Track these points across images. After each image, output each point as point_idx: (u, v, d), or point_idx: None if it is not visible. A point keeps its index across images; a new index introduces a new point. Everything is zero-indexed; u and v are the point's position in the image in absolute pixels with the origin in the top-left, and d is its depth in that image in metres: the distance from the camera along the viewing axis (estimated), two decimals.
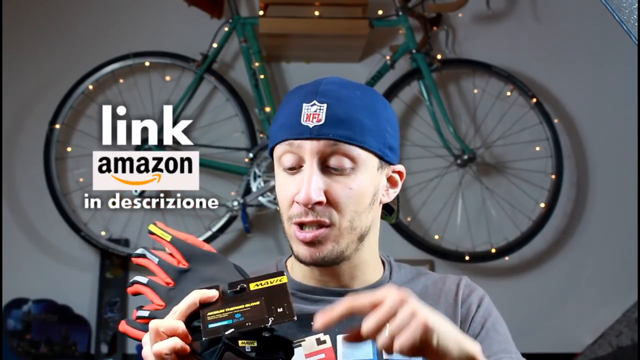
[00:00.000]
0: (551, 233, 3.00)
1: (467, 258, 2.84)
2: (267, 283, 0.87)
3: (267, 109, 2.83)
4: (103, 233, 2.88)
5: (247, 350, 0.83)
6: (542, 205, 2.90)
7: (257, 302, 0.85)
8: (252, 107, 2.92)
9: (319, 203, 1.01)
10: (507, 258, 2.91)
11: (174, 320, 0.85)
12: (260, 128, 2.88)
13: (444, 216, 2.97)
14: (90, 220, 2.87)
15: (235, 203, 2.78)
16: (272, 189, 2.75)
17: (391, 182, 1.13)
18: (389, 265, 1.15)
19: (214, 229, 2.83)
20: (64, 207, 2.82)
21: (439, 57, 2.92)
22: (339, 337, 1.02)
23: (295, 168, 1.04)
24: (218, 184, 2.94)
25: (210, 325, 0.84)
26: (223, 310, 0.85)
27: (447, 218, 2.98)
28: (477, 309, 1.10)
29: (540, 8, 3.13)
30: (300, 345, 1.02)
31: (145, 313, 0.93)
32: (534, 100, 2.93)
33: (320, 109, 1.03)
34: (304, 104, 1.04)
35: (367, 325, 0.83)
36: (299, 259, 1.05)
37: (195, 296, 0.87)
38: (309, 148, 1.02)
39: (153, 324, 0.85)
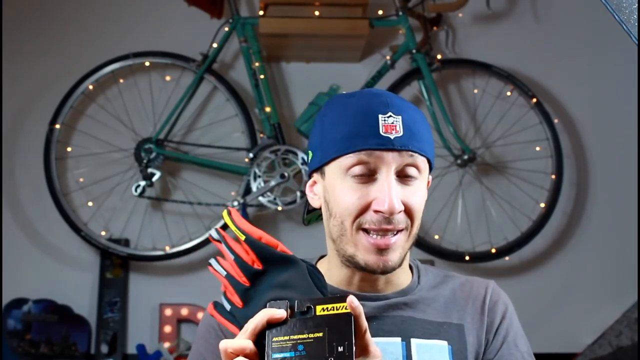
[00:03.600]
0: (551, 233, 3.00)
1: (467, 258, 2.85)
2: (333, 309, 0.88)
3: (267, 109, 2.83)
4: (103, 233, 2.88)
5: None
6: (542, 205, 2.90)
7: (320, 334, 0.86)
8: (252, 107, 2.92)
9: (399, 212, 1.04)
10: (507, 258, 2.91)
11: (243, 340, 0.88)
12: (260, 128, 2.88)
13: (444, 216, 2.97)
14: (90, 220, 2.88)
15: (235, 203, 2.78)
16: (272, 189, 2.75)
17: None
18: (417, 269, 1.18)
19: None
20: (64, 207, 2.82)
21: (439, 57, 2.92)
22: None
23: (366, 177, 1.05)
24: (218, 184, 2.94)
25: (274, 355, 0.85)
26: (288, 338, 0.86)
27: (447, 218, 2.98)
28: (502, 321, 1.13)
29: (540, 8, 3.14)
30: None
31: (228, 306, 0.96)
32: (534, 100, 2.93)
33: (396, 121, 1.05)
34: (380, 115, 1.05)
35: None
36: (365, 267, 1.06)
37: (264, 316, 0.88)
38: (389, 159, 1.04)
39: (222, 344, 0.88)
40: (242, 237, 0.97)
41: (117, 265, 2.92)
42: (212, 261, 0.99)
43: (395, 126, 1.05)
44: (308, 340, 0.86)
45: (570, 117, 3.11)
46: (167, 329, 2.86)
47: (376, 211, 1.04)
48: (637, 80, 2.89)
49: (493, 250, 2.87)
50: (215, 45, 2.87)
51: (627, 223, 2.97)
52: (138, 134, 2.92)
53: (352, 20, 2.86)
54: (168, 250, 2.84)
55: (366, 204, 1.04)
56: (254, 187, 2.76)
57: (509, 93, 3.03)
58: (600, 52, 3.10)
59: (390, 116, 1.05)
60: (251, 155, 2.81)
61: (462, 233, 2.96)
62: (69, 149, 2.96)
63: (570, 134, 3.09)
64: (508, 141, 3.02)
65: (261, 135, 2.87)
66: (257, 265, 0.96)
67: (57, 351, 2.82)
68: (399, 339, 1.07)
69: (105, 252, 2.87)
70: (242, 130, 2.90)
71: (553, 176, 2.91)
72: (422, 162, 1.07)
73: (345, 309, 0.87)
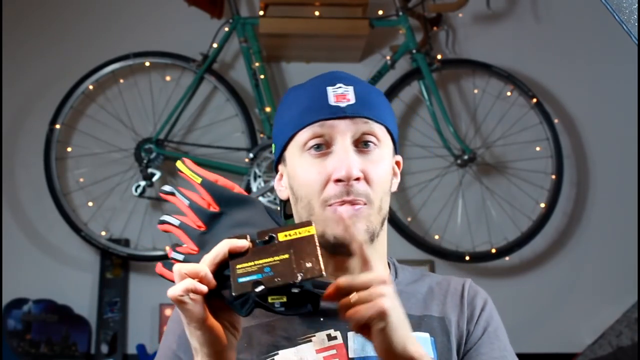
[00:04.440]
0: (551, 233, 3.00)
1: (467, 258, 2.84)
2: (296, 234, 0.86)
3: (267, 109, 2.83)
4: (103, 233, 2.88)
5: (276, 306, 0.83)
6: (542, 205, 2.90)
7: (286, 255, 0.84)
8: (252, 107, 2.92)
9: (358, 179, 1.01)
10: (507, 258, 2.91)
11: (199, 264, 0.85)
12: (260, 128, 2.88)
13: (444, 216, 2.97)
14: (90, 220, 2.87)
15: None
16: (272, 189, 2.75)
17: (393, 171, 1.13)
18: (394, 266, 1.16)
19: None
20: (64, 207, 2.82)
21: (439, 57, 2.92)
22: (350, 334, 1.02)
23: (322, 150, 1.04)
24: None
25: (240, 280, 0.83)
26: (252, 263, 0.84)
27: (447, 218, 2.98)
28: (481, 312, 1.10)
29: (540, 8, 3.14)
30: (310, 341, 1.01)
31: (180, 257, 0.92)
32: (534, 100, 2.93)
33: (347, 91, 1.05)
34: (329, 87, 1.05)
35: (342, 281, 0.85)
36: (334, 243, 1.03)
37: (225, 245, 0.85)
38: (343, 127, 1.03)
39: (176, 267, 0.84)
40: (198, 180, 0.94)
41: (117, 265, 2.92)
42: (164, 217, 0.95)
43: (346, 94, 1.04)
44: (274, 262, 0.84)
45: (570, 117, 3.11)
46: None
47: (336, 181, 1.01)
48: (637, 80, 2.89)
49: (493, 250, 2.87)
50: (215, 45, 2.87)
51: (627, 223, 2.97)
52: (138, 134, 2.92)
53: (352, 20, 2.86)
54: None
55: (327, 177, 1.02)
56: (254, 187, 2.76)
57: (509, 93, 3.03)
58: (600, 52, 3.10)
59: (340, 87, 1.05)
60: (251, 155, 2.81)
61: (462, 233, 2.96)
62: (69, 149, 2.95)
63: (570, 134, 3.09)
64: (508, 141, 3.02)
65: (261, 135, 2.87)
66: (214, 208, 0.94)
67: (57, 351, 2.82)
68: None
69: (105, 252, 2.86)
70: (242, 130, 2.90)
71: (553, 176, 2.90)
72: (379, 130, 1.05)
73: (308, 232, 0.86)
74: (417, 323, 1.06)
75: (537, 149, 2.98)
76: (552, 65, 3.11)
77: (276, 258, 0.84)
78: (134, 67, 2.94)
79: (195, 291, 0.83)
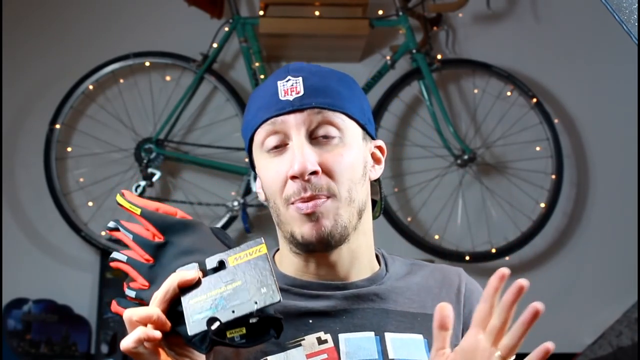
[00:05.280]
0: (551, 233, 3.00)
1: (467, 258, 2.84)
2: (247, 255, 0.82)
3: None
4: (103, 233, 2.87)
5: (236, 340, 0.79)
6: (542, 205, 2.90)
7: (239, 282, 0.80)
8: None
9: (315, 173, 0.97)
10: (507, 258, 2.91)
11: (149, 307, 0.80)
12: None
13: (444, 216, 2.97)
14: (90, 220, 2.87)
15: (235, 203, 2.78)
16: None
17: (375, 158, 1.09)
18: (383, 258, 1.11)
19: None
20: (64, 207, 2.82)
21: (439, 57, 2.92)
22: (342, 336, 0.99)
23: (281, 147, 1.00)
24: (218, 184, 2.94)
25: (194, 317, 0.79)
26: (205, 296, 0.80)
27: (447, 218, 2.98)
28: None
29: (540, 8, 3.14)
30: (300, 345, 0.98)
31: (132, 293, 0.87)
32: (534, 100, 2.93)
33: (296, 82, 1.00)
34: (278, 82, 1.01)
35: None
36: (303, 242, 1.00)
37: (174, 280, 0.81)
38: (294, 121, 0.99)
39: (127, 313, 0.81)
40: (137, 211, 0.89)
41: None
42: (113, 254, 0.90)
43: (295, 87, 1.00)
44: (227, 292, 0.79)
45: (570, 117, 3.11)
46: None
47: (292, 177, 0.97)
48: (637, 80, 2.89)
49: (493, 250, 2.87)
50: (215, 45, 2.87)
51: (627, 223, 2.97)
52: (138, 134, 2.92)
53: (352, 20, 2.86)
54: None
55: (284, 175, 0.99)
56: (254, 187, 2.76)
57: (509, 93, 3.03)
58: (600, 52, 3.10)
59: (289, 80, 1.01)
60: None
61: (462, 233, 2.96)
62: (69, 149, 2.96)
63: (570, 134, 3.09)
64: (508, 141, 3.02)
65: None
66: (158, 238, 0.88)
67: (57, 351, 2.82)
68: (372, 334, 0.99)
69: (105, 252, 2.86)
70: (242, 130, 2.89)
71: (553, 176, 2.90)
72: (337, 118, 1.00)
73: (259, 252, 0.82)
74: (411, 323, 1.02)
75: (537, 149, 2.98)
76: (552, 65, 3.11)
77: (229, 287, 0.80)
78: (134, 67, 2.94)
79: (148, 339, 0.78)
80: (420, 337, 1.01)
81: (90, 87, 2.89)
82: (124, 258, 0.88)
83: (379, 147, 1.10)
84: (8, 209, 2.95)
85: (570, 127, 3.10)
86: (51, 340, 2.84)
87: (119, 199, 0.91)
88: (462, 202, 2.99)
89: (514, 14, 3.14)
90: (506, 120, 3.02)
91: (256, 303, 0.78)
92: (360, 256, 1.05)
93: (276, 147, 1.00)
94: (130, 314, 0.80)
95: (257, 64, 2.86)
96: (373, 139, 1.08)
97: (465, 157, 2.85)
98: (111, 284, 2.90)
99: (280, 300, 0.79)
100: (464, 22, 3.12)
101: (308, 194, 0.97)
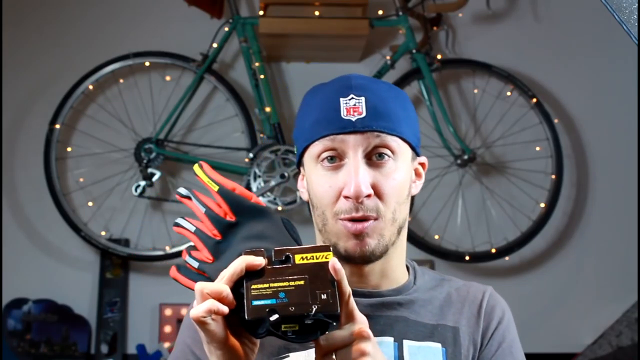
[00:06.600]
0: (551, 233, 3.00)
1: (467, 258, 2.84)
2: (313, 258, 0.84)
3: (267, 109, 2.83)
4: (103, 233, 2.88)
5: (289, 334, 0.82)
6: (542, 205, 2.90)
7: (302, 282, 0.82)
8: (252, 107, 2.92)
9: (368, 196, 1.00)
10: (507, 258, 2.91)
11: (220, 284, 0.83)
12: (260, 128, 2.88)
13: (444, 216, 2.97)
14: (90, 220, 2.88)
15: None
16: (272, 189, 2.75)
17: (417, 174, 1.12)
18: (413, 270, 1.14)
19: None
20: (64, 207, 2.82)
21: (439, 57, 2.92)
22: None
23: (336, 163, 1.03)
24: None
25: (255, 303, 0.81)
26: (267, 285, 0.82)
27: (447, 218, 2.98)
28: (498, 325, 1.10)
29: (540, 8, 3.14)
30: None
31: (195, 263, 0.90)
32: (534, 100, 2.93)
33: (359, 102, 1.03)
34: (341, 98, 1.04)
35: (322, 341, 0.84)
36: (346, 256, 1.03)
37: (242, 262, 0.83)
38: (352, 142, 1.02)
39: (199, 285, 0.83)
40: (215, 188, 0.92)
41: (117, 265, 2.92)
42: (180, 220, 0.93)
43: (358, 108, 1.03)
44: (289, 288, 0.82)
45: (570, 117, 3.11)
46: (167, 329, 2.86)
47: (345, 197, 1.01)
48: (637, 80, 2.89)
49: (493, 250, 2.87)
50: (215, 45, 2.87)
51: (627, 223, 2.97)
52: (138, 134, 2.92)
53: (352, 20, 2.86)
54: (168, 250, 2.84)
55: (338, 190, 1.02)
56: (254, 187, 2.76)
57: (509, 93, 3.03)
58: (600, 52, 3.10)
59: (352, 98, 1.04)
60: (251, 155, 2.81)
61: (462, 233, 2.96)
62: (69, 149, 2.96)
63: (570, 134, 3.09)
64: (508, 141, 3.02)
65: (261, 135, 2.87)
66: (230, 217, 0.91)
67: (57, 351, 2.82)
68: (391, 339, 1.03)
69: (105, 252, 2.86)
70: (242, 130, 2.90)
71: (553, 176, 2.90)
72: (393, 142, 1.03)
73: (325, 258, 0.84)
74: (430, 332, 1.05)
75: (537, 149, 2.98)
76: (552, 65, 3.11)
77: (291, 283, 0.82)
78: (133, 67, 2.94)
79: (217, 312, 0.82)
80: (438, 345, 1.05)
81: (90, 87, 2.89)
82: (192, 228, 0.92)
83: (422, 164, 1.13)
84: (8, 209, 2.95)
85: (570, 127, 3.10)
86: (51, 340, 2.84)
87: (197, 169, 0.94)
88: (462, 202, 2.99)
89: (514, 14, 3.14)
90: (506, 120, 3.02)
91: (315, 307, 0.81)
92: (393, 268, 1.10)
93: (331, 161, 1.04)
94: (202, 286, 0.83)
95: (257, 64, 2.86)
96: (418, 155, 1.12)
97: (465, 157, 2.85)
98: (111, 284, 2.91)
99: (338, 312, 0.81)
100: (464, 22, 3.12)
101: (360, 214, 1.01)
